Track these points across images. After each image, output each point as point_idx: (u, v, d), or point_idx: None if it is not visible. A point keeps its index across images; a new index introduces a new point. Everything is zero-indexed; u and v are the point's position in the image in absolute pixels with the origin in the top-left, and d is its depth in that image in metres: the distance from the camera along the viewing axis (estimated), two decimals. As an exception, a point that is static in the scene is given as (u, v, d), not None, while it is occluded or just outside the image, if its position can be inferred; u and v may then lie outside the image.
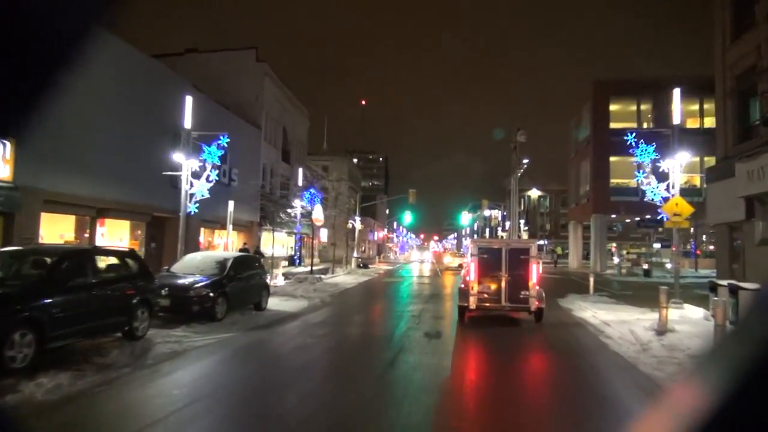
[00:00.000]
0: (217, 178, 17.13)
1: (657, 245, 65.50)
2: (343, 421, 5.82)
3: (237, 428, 5.67)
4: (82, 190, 17.02)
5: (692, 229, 36.05)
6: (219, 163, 16.95)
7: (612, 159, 43.95)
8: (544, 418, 6.30)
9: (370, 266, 45.00)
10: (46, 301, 7.54)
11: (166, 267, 14.25)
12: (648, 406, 0.79)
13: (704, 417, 0.56)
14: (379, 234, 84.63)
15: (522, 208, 74.23)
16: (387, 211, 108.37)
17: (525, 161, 47.34)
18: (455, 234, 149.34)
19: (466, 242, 79.49)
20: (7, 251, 9.36)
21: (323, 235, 53.80)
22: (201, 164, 16.47)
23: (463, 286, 13.55)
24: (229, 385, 7.38)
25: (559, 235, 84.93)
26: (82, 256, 9.04)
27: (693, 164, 42.27)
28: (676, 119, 13.85)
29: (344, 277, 30.94)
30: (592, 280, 21.11)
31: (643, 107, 43.64)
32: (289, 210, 30.01)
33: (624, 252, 58.00)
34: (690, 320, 13.12)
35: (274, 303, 16.03)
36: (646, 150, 15.08)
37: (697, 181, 42.45)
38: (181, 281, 12.11)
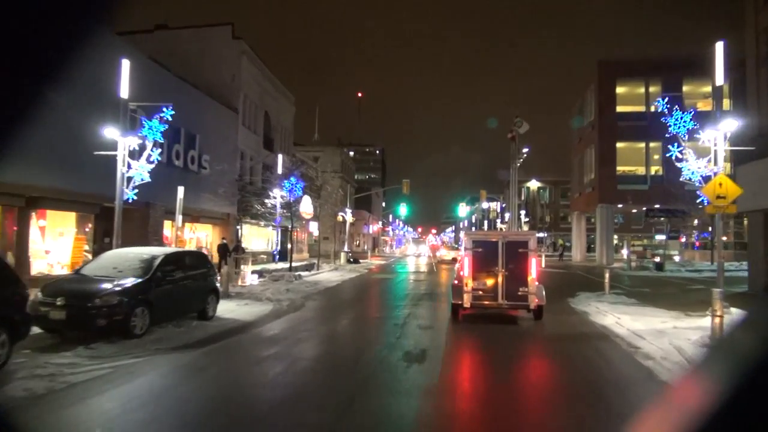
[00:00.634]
0: (159, 158, 14.25)
1: (661, 237, 63.00)
2: None
3: None
4: (5, 175, 14.15)
5: (719, 219, 33.19)
6: (162, 140, 14.05)
7: (619, 145, 41.10)
8: None
9: (361, 261, 42.19)
10: None
11: (77, 268, 11.41)
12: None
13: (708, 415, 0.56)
14: (374, 227, 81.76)
15: (522, 198, 71.59)
16: (383, 204, 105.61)
17: (525, 150, 44.65)
18: (453, 227, 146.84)
19: (459, 234, 76.85)
20: None
21: (313, 228, 51.03)
22: (141, 142, 13.58)
23: (456, 282, 12.48)
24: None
25: (559, 228, 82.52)
26: None
27: (707, 150, 39.35)
28: (719, 79, 11.03)
29: (329, 274, 28.13)
30: (607, 276, 18.28)
31: (652, 89, 40.71)
32: (266, 200, 27.05)
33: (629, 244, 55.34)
34: (747, 329, 10.31)
35: (228, 309, 13.24)
36: (681, 119, 12.19)
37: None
38: (85, 286, 9.26)
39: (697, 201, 13.17)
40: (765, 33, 17.94)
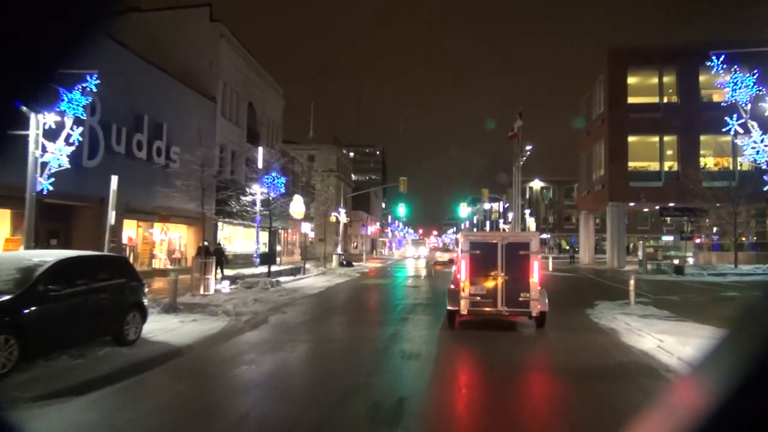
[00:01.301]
0: (80, 138, 11.48)
1: (669, 237, 60.12)
2: None
3: None
4: None
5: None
6: (84, 116, 11.29)
7: (631, 139, 38.25)
8: None
9: (354, 264, 39.41)
10: None
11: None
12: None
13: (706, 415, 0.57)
14: (372, 228, 79.02)
15: (527, 197, 68.94)
16: (383, 205, 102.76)
17: (528, 147, 41.92)
18: (454, 228, 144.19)
19: (453, 235, 73.97)
20: None
21: (306, 228, 48.28)
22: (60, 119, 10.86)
23: (453, 286, 11.85)
24: None
25: (563, 228, 79.89)
26: None
27: (722, 144, 36.63)
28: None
29: (314, 279, 25.37)
30: (632, 283, 15.45)
31: (666, 79, 37.88)
32: (242, 197, 24.24)
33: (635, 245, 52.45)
34: None
35: (165, 327, 10.51)
36: (743, 82, 9.38)
37: (728, 163, 36.76)
38: None
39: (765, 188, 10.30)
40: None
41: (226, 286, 19.61)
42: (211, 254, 25.84)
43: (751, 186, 24.07)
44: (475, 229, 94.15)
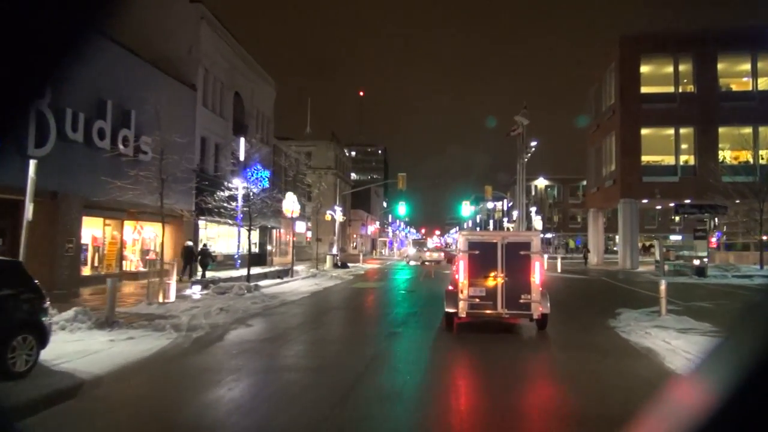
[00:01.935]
0: None
1: (677, 237, 57.65)
2: None
3: None
4: None
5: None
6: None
7: (644, 131, 35.82)
8: None
9: (350, 265, 37.08)
10: None
11: None
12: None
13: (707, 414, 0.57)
14: (372, 228, 76.77)
15: (532, 195, 66.60)
16: (384, 205, 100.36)
17: (533, 143, 39.54)
18: (457, 228, 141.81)
19: (456, 235, 71.70)
20: None
21: (300, 228, 46.09)
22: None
23: (451, 288, 11.49)
24: None
25: (568, 228, 77.62)
26: None
27: (743, 136, 34.25)
28: None
29: (300, 283, 23.06)
30: (662, 288, 13.07)
31: (681, 68, 35.40)
32: (219, 192, 21.90)
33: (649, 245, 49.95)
34: None
35: (86, 349, 8.25)
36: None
37: (747, 156, 34.33)
38: None
39: None
40: None
41: (196, 292, 17.41)
42: (197, 255, 23.69)
43: None
44: (478, 228, 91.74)
